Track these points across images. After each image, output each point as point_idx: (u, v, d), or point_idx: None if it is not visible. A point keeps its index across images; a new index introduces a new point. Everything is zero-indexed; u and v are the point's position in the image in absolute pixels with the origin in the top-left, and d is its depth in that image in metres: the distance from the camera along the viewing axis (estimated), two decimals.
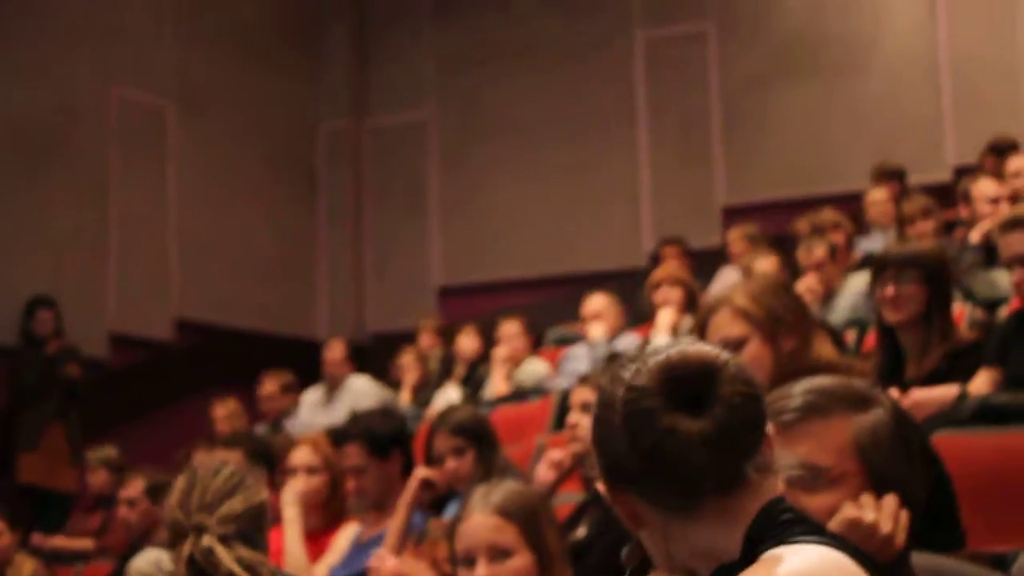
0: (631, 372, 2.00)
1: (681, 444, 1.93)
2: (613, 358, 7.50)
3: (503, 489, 3.36)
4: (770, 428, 2.04)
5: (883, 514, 2.37)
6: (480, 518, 3.30)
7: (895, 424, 2.43)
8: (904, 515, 2.42)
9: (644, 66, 13.08)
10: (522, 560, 3.26)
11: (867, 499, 2.38)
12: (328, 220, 13.85)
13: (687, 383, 1.97)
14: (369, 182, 14.03)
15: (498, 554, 3.26)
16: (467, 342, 9.42)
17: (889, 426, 2.42)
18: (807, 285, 7.67)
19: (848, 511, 2.36)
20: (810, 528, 1.95)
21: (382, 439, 5.33)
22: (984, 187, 7.56)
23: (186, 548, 3.31)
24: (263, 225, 13.10)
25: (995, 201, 7.33)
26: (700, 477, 1.94)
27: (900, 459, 2.42)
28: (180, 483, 3.46)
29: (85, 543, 8.19)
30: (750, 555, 1.93)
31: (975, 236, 7.19)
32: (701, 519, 1.97)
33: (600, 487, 2.11)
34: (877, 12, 12.32)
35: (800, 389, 2.47)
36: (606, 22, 13.21)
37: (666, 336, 7.76)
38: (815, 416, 2.39)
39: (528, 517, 3.30)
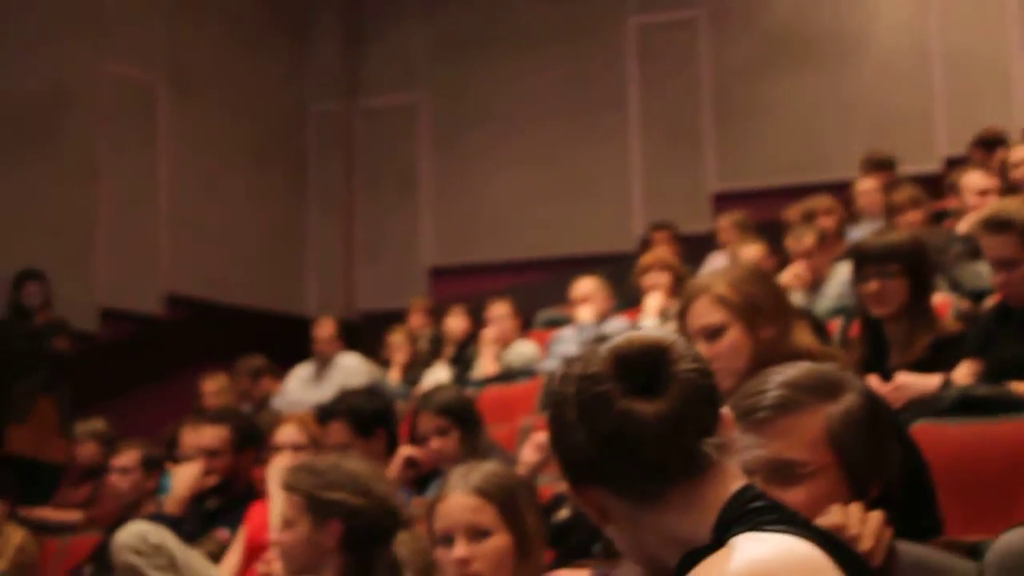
0: (580, 365, 2.00)
1: (639, 426, 1.93)
2: (601, 340, 7.54)
3: (482, 470, 3.38)
4: (726, 411, 2.03)
5: (866, 529, 2.37)
6: (459, 498, 3.33)
7: (868, 405, 2.44)
8: (888, 533, 2.43)
9: (636, 52, 13.10)
10: (500, 540, 3.29)
11: (855, 509, 2.38)
12: (319, 199, 13.86)
13: (638, 366, 1.96)
14: (360, 163, 14.04)
15: (476, 534, 3.29)
16: (456, 322, 9.46)
17: (862, 408, 2.41)
18: (795, 273, 7.71)
19: (833, 517, 2.36)
20: (782, 516, 1.94)
21: (366, 417, 5.37)
22: (973, 179, 7.60)
23: None
24: (253, 203, 13.11)
25: (983, 193, 7.36)
26: (663, 459, 1.93)
27: (873, 441, 2.42)
28: None
29: (73, 515, 8.22)
30: (720, 541, 1.92)
31: (962, 228, 7.22)
32: (669, 506, 1.96)
33: (565, 488, 2.11)
34: (869, 3, 12.36)
35: (772, 383, 2.46)
36: (598, 8, 13.22)
37: (654, 320, 7.79)
38: (787, 412, 2.40)
39: (507, 497, 3.32)
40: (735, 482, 1.99)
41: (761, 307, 3.59)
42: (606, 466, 1.96)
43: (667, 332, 2.06)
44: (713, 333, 3.56)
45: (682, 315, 3.68)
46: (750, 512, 1.93)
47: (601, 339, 2.04)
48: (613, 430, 1.93)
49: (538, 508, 3.53)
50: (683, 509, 1.96)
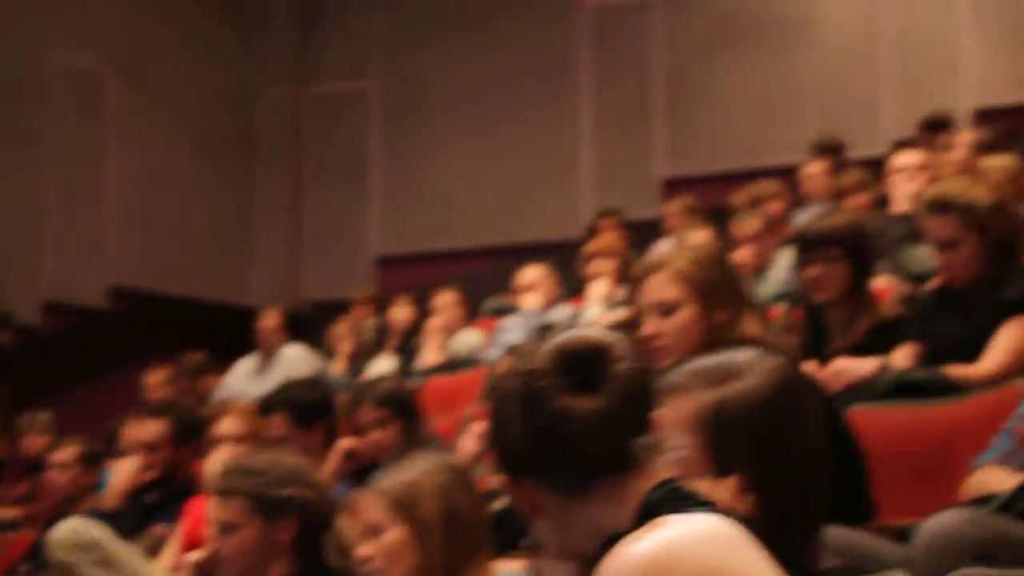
0: (523, 360, 2.03)
1: (576, 422, 1.95)
2: (547, 329, 7.52)
3: (397, 467, 3.43)
4: (660, 413, 2.06)
5: None
6: (367, 496, 3.40)
7: (768, 396, 2.36)
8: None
9: (588, 38, 13.08)
10: (393, 535, 3.34)
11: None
12: (266, 188, 13.78)
13: (579, 363, 1.99)
14: (309, 151, 13.97)
15: (373, 531, 3.37)
16: (401, 312, 9.42)
17: (745, 397, 2.35)
18: (741, 257, 7.68)
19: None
20: (705, 504, 1.96)
21: (306, 409, 5.33)
22: (900, 159, 7.64)
23: None
24: (199, 193, 13.02)
25: (918, 171, 7.39)
26: (593, 456, 1.96)
27: (753, 429, 2.35)
28: None
29: (12, 511, 8.12)
30: (641, 526, 1.92)
31: (895, 209, 7.24)
32: (596, 499, 1.99)
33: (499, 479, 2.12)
34: None
35: (680, 367, 2.45)
36: None
37: (599, 307, 7.75)
38: (675, 394, 2.37)
39: (402, 493, 3.35)
40: (658, 475, 2.01)
41: (718, 290, 3.55)
42: (540, 460, 1.99)
43: (610, 332, 2.08)
44: (667, 309, 3.52)
45: (637, 286, 3.63)
46: (671, 500, 1.96)
47: (546, 334, 2.06)
48: (550, 425, 1.96)
49: (475, 498, 3.50)
50: (609, 502, 1.99)
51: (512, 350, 1.99)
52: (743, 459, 2.26)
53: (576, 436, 1.95)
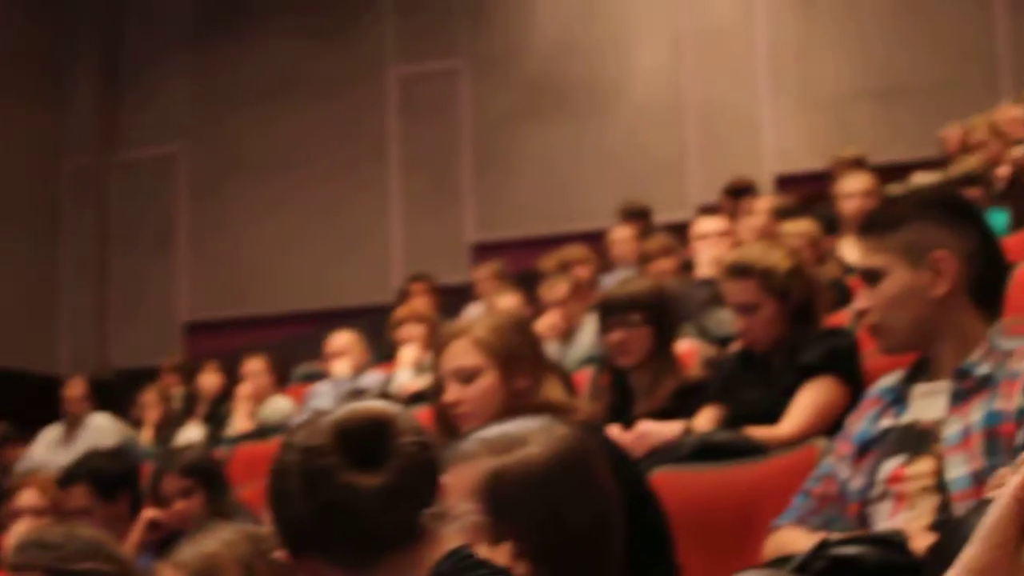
0: (303, 436, 2.02)
1: (359, 499, 1.96)
2: (357, 395, 7.50)
3: (198, 537, 3.37)
4: (447, 479, 2.07)
5: None
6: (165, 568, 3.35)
7: (547, 465, 2.39)
8: None
9: (397, 102, 13.15)
10: None
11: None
12: (71, 256, 13.57)
13: (361, 439, 2.00)
14: (115, 218, 13.80)
15: None
16: (210, 379, 9.35)
17: (526, 468, 2.37)
18: (549, 322, 7.75)
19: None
20: (496, 571, 1.99)
21: (109, 480, 5.24)
22: (702, 225, 7.80)
23: None
24: (3, 262, 12.74)
25: (720, 236, 7.54)
26: (380, 531, 1.98)
27: (532, 501, 2.38)
28: None
29: None
30: None
31: (699, 273, 7.38)
32: (383, 571, 2.00)
33: (281, 554, 2.11)
34: (622, 55, 12.58)
35: (471, 435, 2.47)
36: (360, 58, 13.23)
37: (409, 373, 7.76)
38: (461, 462, 2.39)
39: (201, 564, 3.30)
40: (447, 545, 2.02)
41: (518, 356, 3.58)
42: (325, 536, 2.00)
43: (390, 404, 2.09)
44: (468, 376, 3.53)
45: (438, 354, 3.65)
46: (461, 568, 1.97)
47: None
48: (334, 502, 1.97)
49: (278, 569, 3.46)
50: (398, 574, 2.00)
51: (291, 427, 1.99)
52: (520, 526, 2.28)
53: (361, 512, 1.96)
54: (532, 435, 2.39)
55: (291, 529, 2.03)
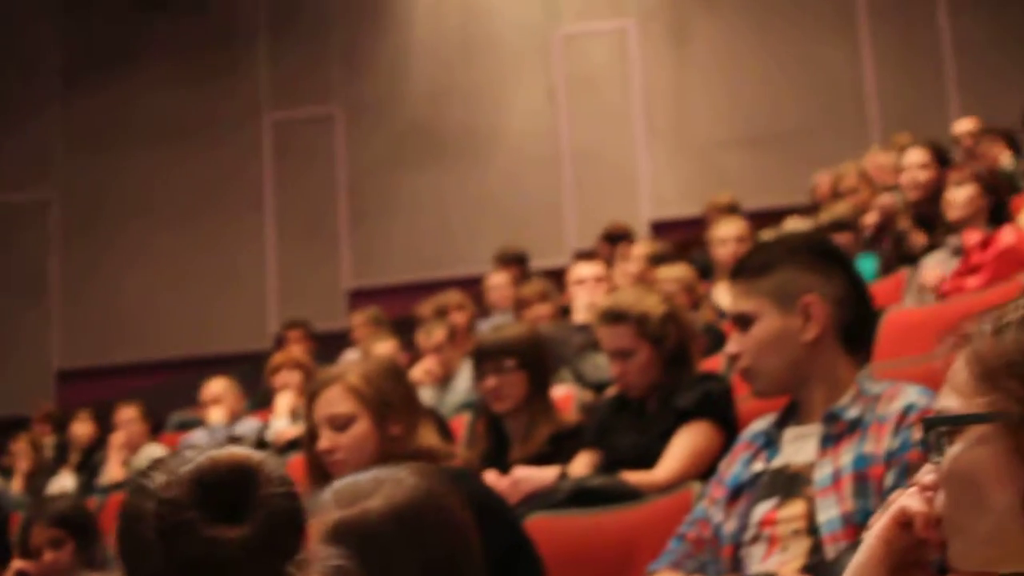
0: (161, 483, 1.92)
1: (222, 553, 1.90)
2: (232, 442, 7.43)
3: None
4: (314, 523, 2.04)
5: None
6: None
7: (385, 517, 2.37)
8: None
9: (272, 148, 13.10)
10: None
11: None
12: None
13: (222, 490, 1.92)
14: None
15: None
16: (82, 428, 9.23)
17: (363, 521, 2.36)
18: (426, 368, 7.74)
19: None
20: None
21: None
22: (578, 271, 7.85)
23: None
24: None
25: (596, 281, 7.59)
26: None
27: (368, 553, 2.36)
28: None
29: None
30: None
31: (575, 319, 7.42)
32: None
33: None
34: (499, 102, 12.65)
35: (329, 487, 2.45)
36: (236, 103, 13.17)
37: (285, 420, 7.71)
38: (315, 513, 2.38)
39: None
40: None
41: (392, 403, 3.58)
42: None
43: (254, 451, 2.01)
44: (341, 424, 3.53)
45: (311, 401, 3.63)
46: None
47: (179, 455, 1.97)
48: (196, 557, 1.89)
49: None
50: None
51: (143, 471, 1.90)
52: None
53: (225, 567, 1.90)
54: (378, 487, 2.38)
55: None
